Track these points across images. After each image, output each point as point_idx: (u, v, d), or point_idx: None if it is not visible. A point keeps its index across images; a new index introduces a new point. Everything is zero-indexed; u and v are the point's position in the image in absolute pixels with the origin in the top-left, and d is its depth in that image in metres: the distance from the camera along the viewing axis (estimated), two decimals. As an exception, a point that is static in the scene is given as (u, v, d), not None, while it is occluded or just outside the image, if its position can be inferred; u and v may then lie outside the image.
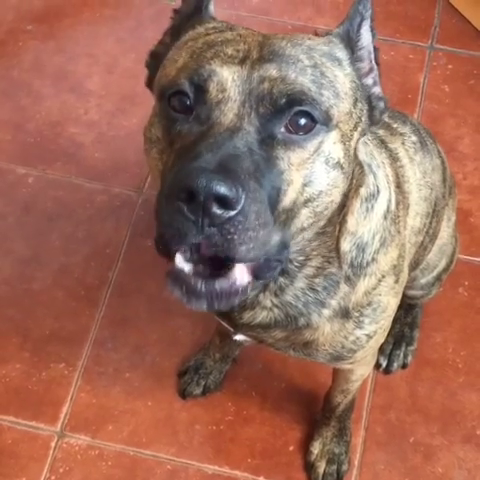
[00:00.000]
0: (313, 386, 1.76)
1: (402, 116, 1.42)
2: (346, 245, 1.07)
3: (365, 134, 1.01)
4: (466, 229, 1.84)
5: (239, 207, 0.81)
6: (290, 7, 2.33)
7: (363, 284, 1.12)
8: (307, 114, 0.89)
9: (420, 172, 1.34)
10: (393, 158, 1.26)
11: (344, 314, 1.13)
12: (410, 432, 1.71)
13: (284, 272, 1.06)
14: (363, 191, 1.06)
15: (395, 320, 1.80)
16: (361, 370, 1.42)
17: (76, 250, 1.94)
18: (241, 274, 0.89)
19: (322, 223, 0.98)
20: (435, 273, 1.65)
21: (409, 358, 1.79)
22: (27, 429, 1.72)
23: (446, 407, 1.74)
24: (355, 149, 0.99)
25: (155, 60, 1.05)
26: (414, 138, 1.37)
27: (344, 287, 1.11)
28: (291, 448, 1.70)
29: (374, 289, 1.14)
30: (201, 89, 0.89)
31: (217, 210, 0.81)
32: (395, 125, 1.36)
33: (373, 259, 1.11)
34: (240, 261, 0.87)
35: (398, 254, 1.17)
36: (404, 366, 1.78)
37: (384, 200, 1.11)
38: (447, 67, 2.23)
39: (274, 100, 0.88)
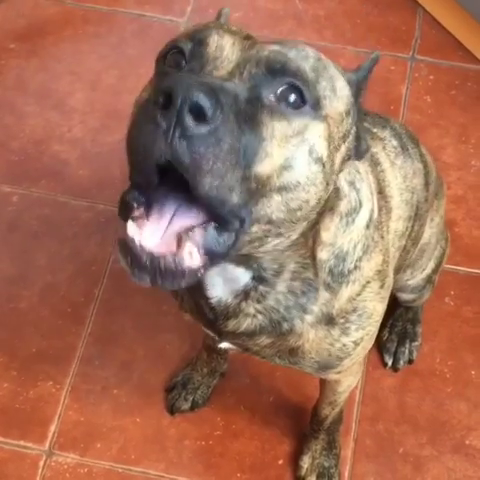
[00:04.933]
0: (301, 399, 1.75)
1: (383, 121, 1.42)
2: (323, 254, 1.05)
3: (349, 152, 0.99)
4: (451, 238, 1.84)
5: (213, 125, 0.79)
6: (271, 21, 2.34)
7: (346, 291, 1.11)
8: (298, 91, 0.87)
9: (401, 176, 1.33)
10: (374, 162, 1.25)
11: (328, 321, 1.12)
12: (399, 443, 1.71)
13: (262, 280, 1.04)
14: (342, 207, 1.05)
15: (397, 318, 1.83)
16: (348, 381, 1.41)
17: (62, 268, 1.94)
18: (191, 255, 0.85)
19: (293, 236, 0.96)
20: (424, 275, 1.65)
21: (414, 354, 1.80)
22: (15, 448, 1.71)
23: (435, 417, 1.74)
24: (337, 170, 0.97)
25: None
26: (394, 142, 1.37)
27: (324, 294, 1.09)
28: (280, 462, 1.70)
29: (359, 295, 1.13)
30: (200, 43, 0.89)
31: (191, 121, 0.79)
32: (375, 130, 1.36)
33: (356, 267, 1.10)
34: (200, 196, 0.82)
35: (382, 259, 1.16)
36: (410, 362, 1.80)
37: (366, 212, 1.09)
38: (429, 78, 2.24)
39: (269, 63, 0.87)
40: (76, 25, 2.36)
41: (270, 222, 0.90)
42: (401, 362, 1.79)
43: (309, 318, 1.11)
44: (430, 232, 1.57)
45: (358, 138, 0.99)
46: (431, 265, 1.65)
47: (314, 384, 1.72)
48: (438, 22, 2.34)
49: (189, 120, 0.79)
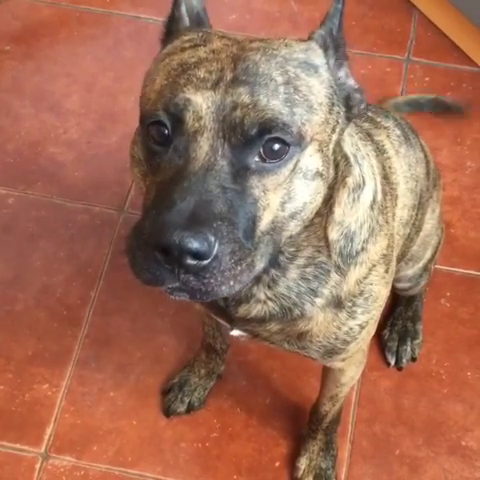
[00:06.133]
0: (298, 401, 1.75)
1: (384, 111, 1.46)
2: (334, 234, 1.08)
3: (343, 131, 1.02)
4: (447, 240, 1.85)
5: (212, 256, 0.86)
6: (267, 23, 2.34)
7: (354, 273, 1.14)
8: (279, 139, 0.91)
9: (406, 164, 1.37)
10: (380, 150, 1.28)
11: (337, 304, 1.15)
12: (396, 445, 1.71)
13: (275, 264, 1.07)
14: (350, 181, 1.07)
15: (397, 316, 1.85)
16: (351, 371, 1.42)
17: (58, 270, 1.93)
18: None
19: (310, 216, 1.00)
20: (421, 264, 1.67)
21: (417, 351, 1.81)
22: (11, 451, 1.70)
23: (431, 418, 1.74)
24: (339, 142, 1.02)
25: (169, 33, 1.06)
26: (398, 132, 1.40)
27: (335, 276, 1.12)
28: (277, 464, 1.69)
29: (365, 278, 1.16)
30: (178, 119, 0.91)
31: (191, 261, 0.86)
32: (379, 119, 1.39)
33: (363, 248, 1.13)
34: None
35: (387, 244, 1.19)
36: (413, 360, 1.80)
37: (370, 191, 1.12)
38: (424, 79, 2.25)
39: (245, 131, 0.90)
40: (71, 27, 2.36)
41: (292, 235, 1.00)
42: (404, 361, 1.80)
43: (319, 301, 1.13)
44: (431, 223, 1.61)
45: (349, 106, 1.01)
46: (428, 254, 1.68)
47: (311, 386, 1.72)
48: (433, 24, 2.35)
49: (189, 261, 0.86)
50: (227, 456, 1.70)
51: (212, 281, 0.88)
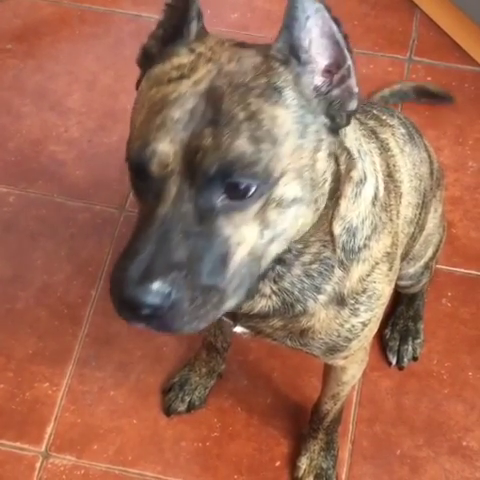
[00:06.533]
0: (299, 401, 1.75)
1: (389, 110, 1.46)
2: (337, 228, 1.08)
3: (334, 143, 0.99)
4: (448, 240, 1.85)
5: (168, 305, 0.90)
6: (269, 22, 2.34)
7: (357, 270, 1.13)
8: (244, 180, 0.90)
9: (411, 163, 1.37)
10: (384, 148, 1.27)
11: (339, 301, 1.15)
12: (396, 445, 1.71)
13: (281, 261, 1.06)
14: (355, 175, 1.06)
15: (398, 316, 1.85)
16: (353, 369, 1.42)
17: (59, 268, 1.93)
18: None
19: (321, 208, 1.00)
20: (422, 262, 1.67)
21: (418, 351, 1.81)
22: (11, 450, 1.70)
23: (432, 419, 1.74)
24: (340, 140, 1.00)
25: (147, 58, 1.03)
26: (403, 130, 1.40)
27: (338, 272, 1.12)
28: (278, 464, 1.69)
29: (368, 276, 1.15)
30: (146, 172, 0.93)
31: (147, 312, 0.90)
32: (384, 117, 1.39)
33: (365, 245, 1.12)
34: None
35: (391, 242, 1.18)
36: (415, 359, 1.80)
37: (371, 186, 1.11)
38: (426, 79, 2.24)
39: (206, 173, 0.90)
40: (73, 25, 2.36)
41: (279, 253, 1.01)
42: (405, 360, 1.80)
43: (322, 298, 1.13)
44: (433, 222, 1.61)
45: (332, 116, 0.96)
46: (429, 253, 1.68)
47: (312, 385, 1.72)
48: (435, 23, 2.35)
49: (146, 312, 0.90)
50: (227, 455, 1.70)
51: (174, 324, 0.92)
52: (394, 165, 1.29)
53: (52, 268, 1.93)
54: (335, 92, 0.95)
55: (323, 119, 0.95)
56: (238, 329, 1.24)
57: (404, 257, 1.50)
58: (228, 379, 1.78)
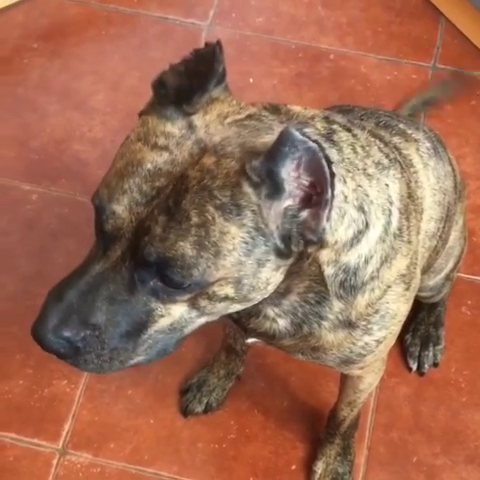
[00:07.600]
0: (316, 405, 1.75)
1: (415, 124, 1.45)
2: (329, 270, 1.04)
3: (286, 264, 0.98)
4: (469, 248, 1.84)
5: (71, 354, 0.99)
6: (294, 27, 2.34)
7: (362, 299, 1.10)
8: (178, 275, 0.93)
9: (434, 177, 1.34)
10: (407, 164, 1.24)
11: (347, 325, 1.12)
12: (413, 452, 1.71)
13: (267, 298, 1.04)
14: (323, 255, 1.02)
15: (419, 321, 1.84)
16: (370, 378, 1.42)
17: (79, 267, 1.94)
18: None
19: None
20: (443, 274, 1.66)
21: (439, 357, 1.81)
22: (29, 446, 1.71)
23: (449, 427, 1.73)
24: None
25: (161, 86, 1.02)
26: (428, 144, 1.38)
27: (338, 304, 1.09)
28: (293, 467, 1.69)
29: (379, 299, 1.12)
30: (103, 222, 0.96)
31: (55, 353, 1.00)
32: (409, 131, 1.36)
33: (372, 278, 1.08)
34: None
35: (407, 263, 1.14)
36: (435, 365, 1.80)
37: (378, 228, 1.06)
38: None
39: (145, 258, 0.92)
40: (99, 26, 2.37)
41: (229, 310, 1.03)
42: (426, 366, 1.79)
43: (326, 324, 1.12)
44: (454, 234, 1.59)
45: (285, 239, 0.94)
46: (450, 264, 1.67)
47: (329, 390, 1.72)
48: (460, 31, 2.34)
49: (59, 355, 1.01)
50: (243, 458, 1.70)
51: (82, 366, 1.00)
52: (416, 181, 1.25)
53: (73, 266, 1.91)
54: (302, 217, 0.92)
55: (277, 243, 0.93)
56: (251, 340, 1.23)
57: (426, 270, 1.48)
58: (245, 382, 1.78)
